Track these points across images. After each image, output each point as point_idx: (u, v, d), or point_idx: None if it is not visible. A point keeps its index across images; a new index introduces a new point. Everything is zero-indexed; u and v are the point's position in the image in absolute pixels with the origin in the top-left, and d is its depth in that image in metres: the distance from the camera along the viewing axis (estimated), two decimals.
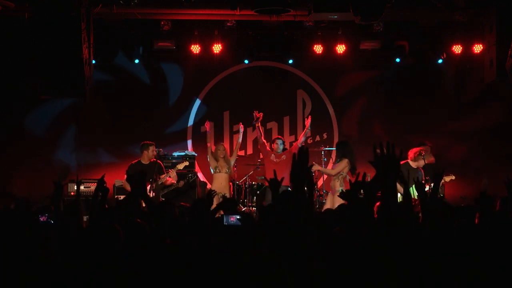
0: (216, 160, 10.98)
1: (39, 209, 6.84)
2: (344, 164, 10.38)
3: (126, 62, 13.16)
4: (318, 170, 11.27)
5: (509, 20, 10.69)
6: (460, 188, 11.94)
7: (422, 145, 11.60)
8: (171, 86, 13.59)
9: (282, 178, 5.70)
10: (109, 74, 13.16)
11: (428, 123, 13.48)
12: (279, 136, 12.05)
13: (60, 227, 5.71)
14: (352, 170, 10.44)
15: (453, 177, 11.07)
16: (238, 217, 5.82)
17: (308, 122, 11.22)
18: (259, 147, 11.59)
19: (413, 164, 10.53)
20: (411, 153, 10.65)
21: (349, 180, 9.33)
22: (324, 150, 12.15)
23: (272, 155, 11.09)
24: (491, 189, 11.36)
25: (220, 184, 10.83)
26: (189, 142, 13.63)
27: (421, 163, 10.59)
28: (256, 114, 11.20)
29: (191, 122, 13.61)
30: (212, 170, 11.09)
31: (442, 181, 10.59)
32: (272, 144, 11.25)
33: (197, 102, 13.60)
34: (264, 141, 11.30)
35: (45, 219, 6.35)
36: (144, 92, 13.42)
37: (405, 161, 10.64)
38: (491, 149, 13.25)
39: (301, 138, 11.21)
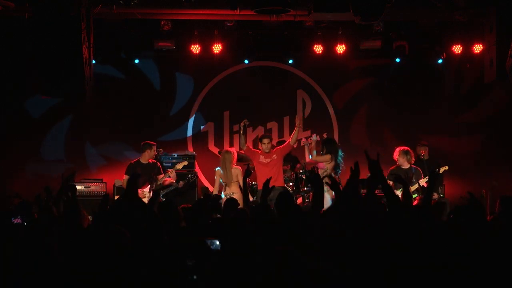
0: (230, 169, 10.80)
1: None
2: (327, 158, 10.54)
3: (126, 62, 13.16)
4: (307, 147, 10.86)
5: (509, 20, 10.68)
6: (460, 188, 11.94)
7: (420, 144, 11.69)
8: (171, 85, 13.58)
9: (272, 185, 5.77)
10: (109, 74, 13.15)
11: (428, 123, 13.48)
12: (266, 133, 12.00)
13: (60, 228, 5.70)
14: (336, 168, 10.56)
15: (447, 168, 11.14)
16: (218, 242, 5.63)
17: (298, 120, 10.81)
18: (243, 152, 11.02)
19: (403, 166, 10.80)
20: (395, 156, 10.86)
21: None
22: None
23: (261, 156, 10.70)
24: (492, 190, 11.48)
25: (235, 187, 10.72)
26: (190, 128, 13.62)
27: (405, 161, 10.76)
28: (243, 122, 10.75)
29: (191, 121, 13.60)
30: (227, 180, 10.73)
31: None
32: (259, 144, 10.87)
33: (197, 100, 13.59)
34: (247, 145, 10.85)
35: (19, 221, 6.33)
36: (144, 91, 13.41)
37: (396, 165, 10.80)
38: (491, 149, 13.26)
39: (292, 138, 10.68)
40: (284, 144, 10.99)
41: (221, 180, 10.72)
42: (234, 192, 10.46)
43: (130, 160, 11.15)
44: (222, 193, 10.62)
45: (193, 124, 13.59)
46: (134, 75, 13.36)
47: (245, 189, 6.84)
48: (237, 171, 10.65)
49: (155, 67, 13.47)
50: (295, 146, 11.11)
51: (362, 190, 6.16)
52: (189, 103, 13.58)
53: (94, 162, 13.20)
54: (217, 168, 10.81)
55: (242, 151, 10.97)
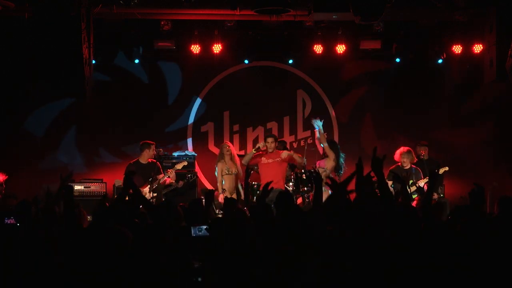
0: (222, 162, 10.81)
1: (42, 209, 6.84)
2: (333, 154, 10.57)
3: (126, 62, 13.15)
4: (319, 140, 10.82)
5: (509, 20, 10.69)
6: (460, 188, 11.94)
7: (419, 144, 11.69)
8: (171, 85, 13.55)
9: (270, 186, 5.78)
10: (109, 74, 13.14)
11: (428, 123, 13.48)
12: (271, 133, 11.98)
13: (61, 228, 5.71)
14: (336, 169, 10.58)
15: (447, 168, 11.16)
16: (205, 227, 5.78)
17: (286, 155, 10.66)
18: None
19: (403, 165, 10.87)
20: (397, 157, 10.87)
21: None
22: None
23: (263, 158, 10.69)
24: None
25: (231, 184, 10.75)
26: (189, 141, 13.58)
27: (408, 162, 10.78)
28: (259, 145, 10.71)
29: (191, 120, 13.58)
30: (220, 174, 10.84)
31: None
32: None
33: (198, 101, 13.57)
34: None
35: (12, 222, 6.32)
36: (144, 91, 13.40)
37: (396, 165, 10.82)
38: (491, 149, 13.26)
39: (297, 161, 10.65)
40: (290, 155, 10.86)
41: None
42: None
43: (131, 160, 11.14)
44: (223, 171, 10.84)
45: (193, 124, 13.56)
46: (134, 75, 13.33)
47: (246, 190, 6.86)
48: (221, 166, 10.80)
49: (156, 67, 13.41)
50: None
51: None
52: (184, 91, 13.51)
53: (94, 162, 13.19)
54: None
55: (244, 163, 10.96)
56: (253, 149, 10.72)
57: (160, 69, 13.49)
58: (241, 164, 10.88)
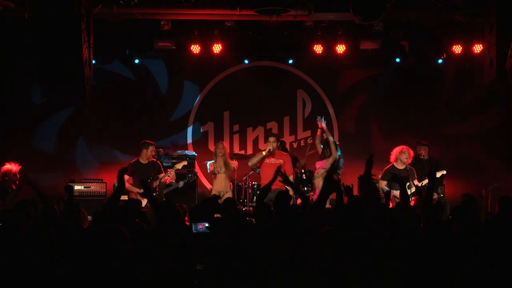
0: (215, 161, 10.88)
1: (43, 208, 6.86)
2: (335, 154, 10.61)
3: (126, 62, 13.16)
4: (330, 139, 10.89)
5: (509, 20, 10.68)
6: (460, 188, 11.94)
7: (419, 144, 11.67)
8: (171, 85, 13.57)
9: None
10: (109, 74, 13.14)
11: (428, 123, 13.48)
12: (274, 132, 11.98)
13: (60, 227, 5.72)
14: (335, 169, 10.60)
15: (444, 172, 11.12)
16: (206, 225, 5.84)
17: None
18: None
19: (398, 166, 10.74)
20: (395, 156, 10.81)
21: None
22: None
23: (265, 158, 10.76)
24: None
25: (220, 184, 10.80)
26: (189, 135, 13.58)
27: (404, 159, 10.71)
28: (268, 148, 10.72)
29: (191, 120, 13.59)
30: (212, 174, 10.98)
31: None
32: (266, 143, 10.92)
33: (197, 101, 13.57)
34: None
35: None
36: (144, 91, 13.41)
37: (390, 165, 10.77)
38: (491, 149, 13.27)
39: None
40: (290, 167, 10.90)
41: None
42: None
43: (130, 160, 11.15)
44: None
45: (192, 132, 13.56)
46: (134, 75, 13.34)
47: (264, 190, 6.88)
48: (211, 166, 10.92)
49: (165, 71, 13.43)
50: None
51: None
52: (189, 103, 13.55)
53: (94, 162, 13.19)
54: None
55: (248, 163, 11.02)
56: (263, 152, 10.71)
57: (159, 69, 13.46)
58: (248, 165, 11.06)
